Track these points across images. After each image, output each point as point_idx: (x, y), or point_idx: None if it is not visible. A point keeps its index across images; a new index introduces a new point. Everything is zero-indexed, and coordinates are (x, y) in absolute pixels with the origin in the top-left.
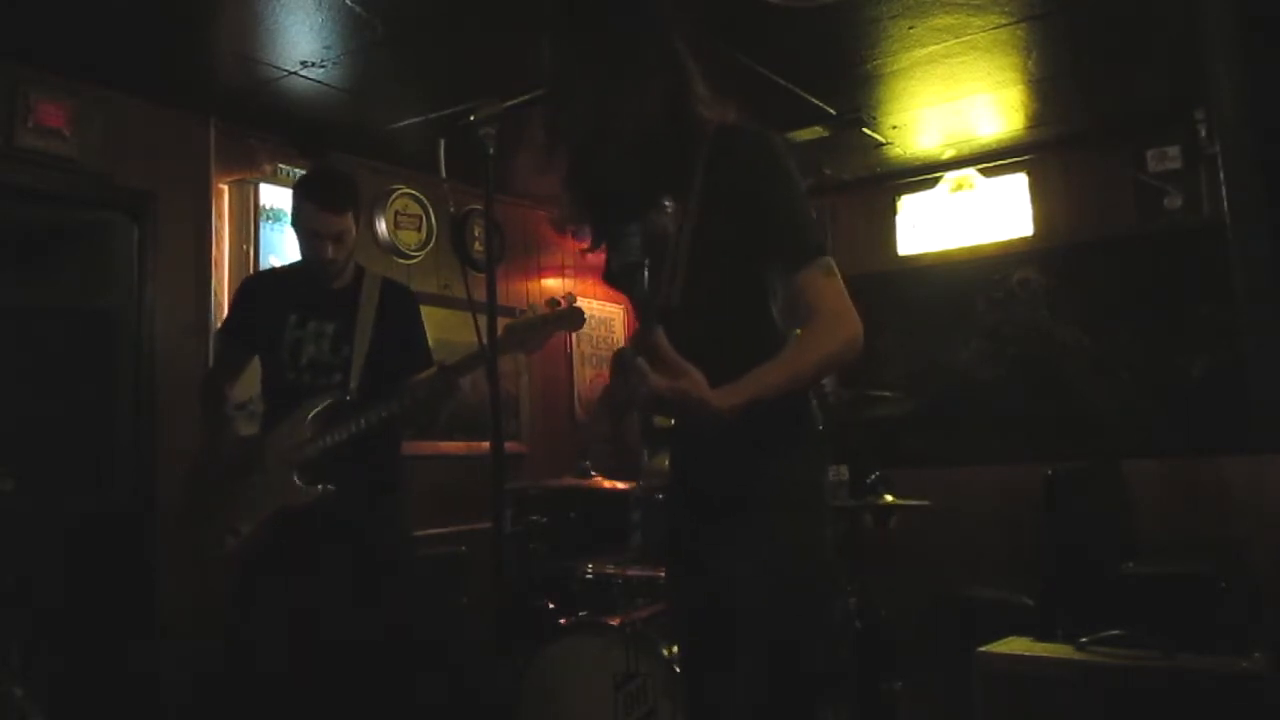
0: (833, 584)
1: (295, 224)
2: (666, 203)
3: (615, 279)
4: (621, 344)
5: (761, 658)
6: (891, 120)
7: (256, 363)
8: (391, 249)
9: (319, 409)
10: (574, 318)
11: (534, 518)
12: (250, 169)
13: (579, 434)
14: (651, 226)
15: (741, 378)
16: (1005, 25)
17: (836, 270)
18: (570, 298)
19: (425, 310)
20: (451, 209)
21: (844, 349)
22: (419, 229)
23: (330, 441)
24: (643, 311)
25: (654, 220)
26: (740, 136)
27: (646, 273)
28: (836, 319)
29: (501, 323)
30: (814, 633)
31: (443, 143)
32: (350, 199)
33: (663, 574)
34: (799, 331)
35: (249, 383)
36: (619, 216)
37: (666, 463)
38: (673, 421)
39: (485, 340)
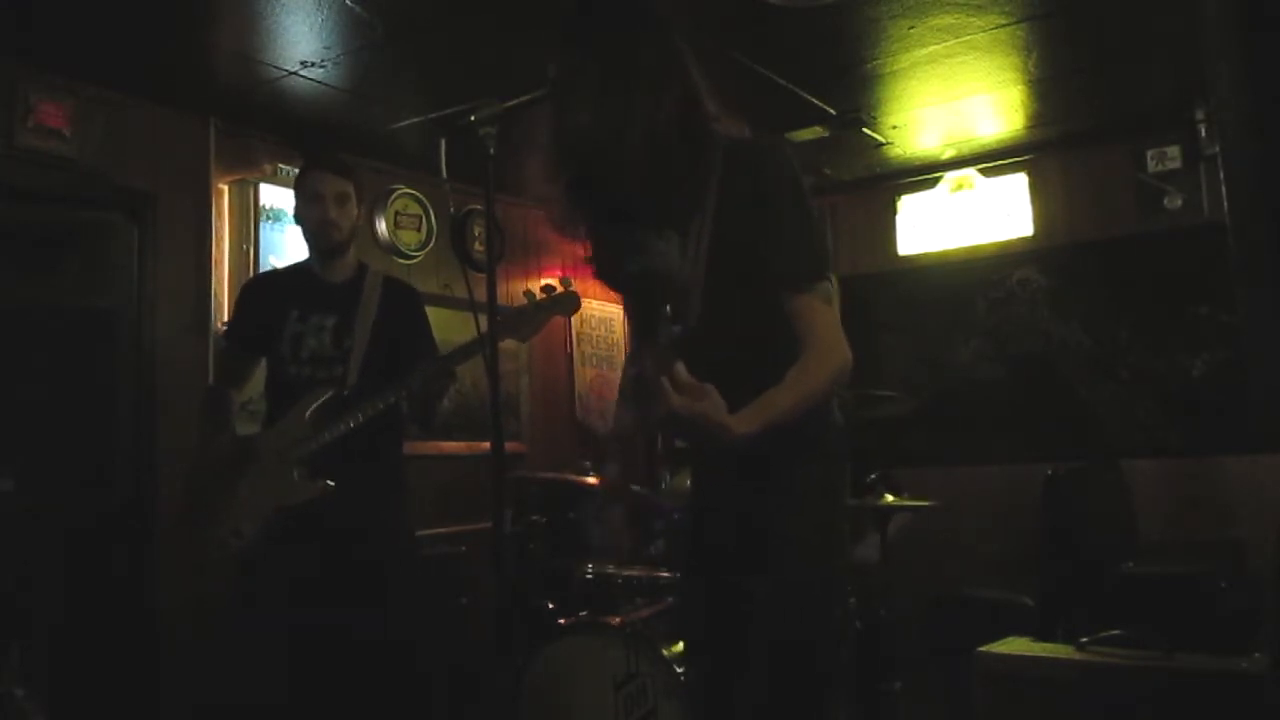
0: (843, 589)
1: (299, 198)
2: (675, 223)
3: (615, 281)
4: (621, 343)
5: (775, 662)
6: (891, 120)
7: (261, 366)
8: (391, 249)
9: (317, 404)
10: (569, 302)
11: (534, 518)
12: (250, 169)
13: (602, 446)
14: (662, 248)
15: (754, 402)
16: (1005, 25)
17: (834, 296)
18: (566, 281)
19: (426, 310)
20: (451, 209)
21: (836, 377)
22: (419, 229)
23: (329, 436)
24: (658, 332)
25: (663, 242)
26: (751, 154)
27: (664, 296)
28: (829, 349)
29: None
30: (826, 637)
31: (443, 143)
32: (350, 169)
33: (663, 574)
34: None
35: (253, 384)
36: (623, 225)
37: (688, 482)
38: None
39: (482, 333)
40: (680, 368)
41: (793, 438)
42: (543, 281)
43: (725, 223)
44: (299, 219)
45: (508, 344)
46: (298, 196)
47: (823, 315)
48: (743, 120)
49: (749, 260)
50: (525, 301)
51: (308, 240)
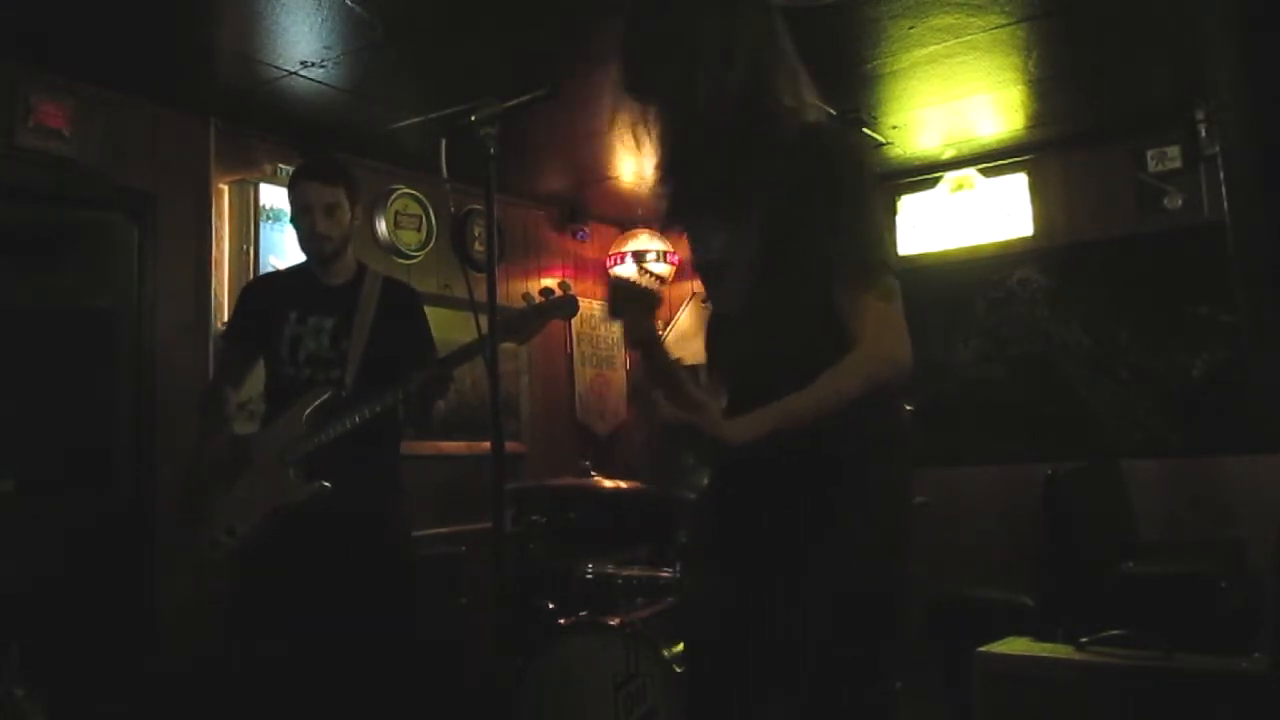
0: (907, 599)
1: (291, 205)
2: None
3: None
4: (622, 343)
5: (830, 675)
6: (891, 120)
7: (260, 366)
8: (391, 249)
9: (315, 405)
10: (566, 306)
11: (534, 518)
12: (250, 169)
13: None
14: (712, 234)
15: (768, 406)
16: (1005, 25)
17: (897, 291)
18: (565, 285)
19: (425, 310)
20: (451, 209)
21: (881, 375)
22: (419, 229)
23: (326, 437)
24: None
25: (714, 228)
26: (818, 141)
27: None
28: (879, 344)
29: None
30: (885, 649)
31: (443, 143)
32: (340, 175)
33: (663, 573)
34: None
35: (251, 384)
36: (700, 209)
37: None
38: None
39: (481, 335)
40: (678, 368)
41: (857, 433)
42: (541, 284)
43: (784, 213)
44: (293, 224)
45: (507, 345)
46: (290, 203)
47: (876, 311)
48: (821, 102)
49: (806, 253)
50: (524, 304)
51: (302, 248)
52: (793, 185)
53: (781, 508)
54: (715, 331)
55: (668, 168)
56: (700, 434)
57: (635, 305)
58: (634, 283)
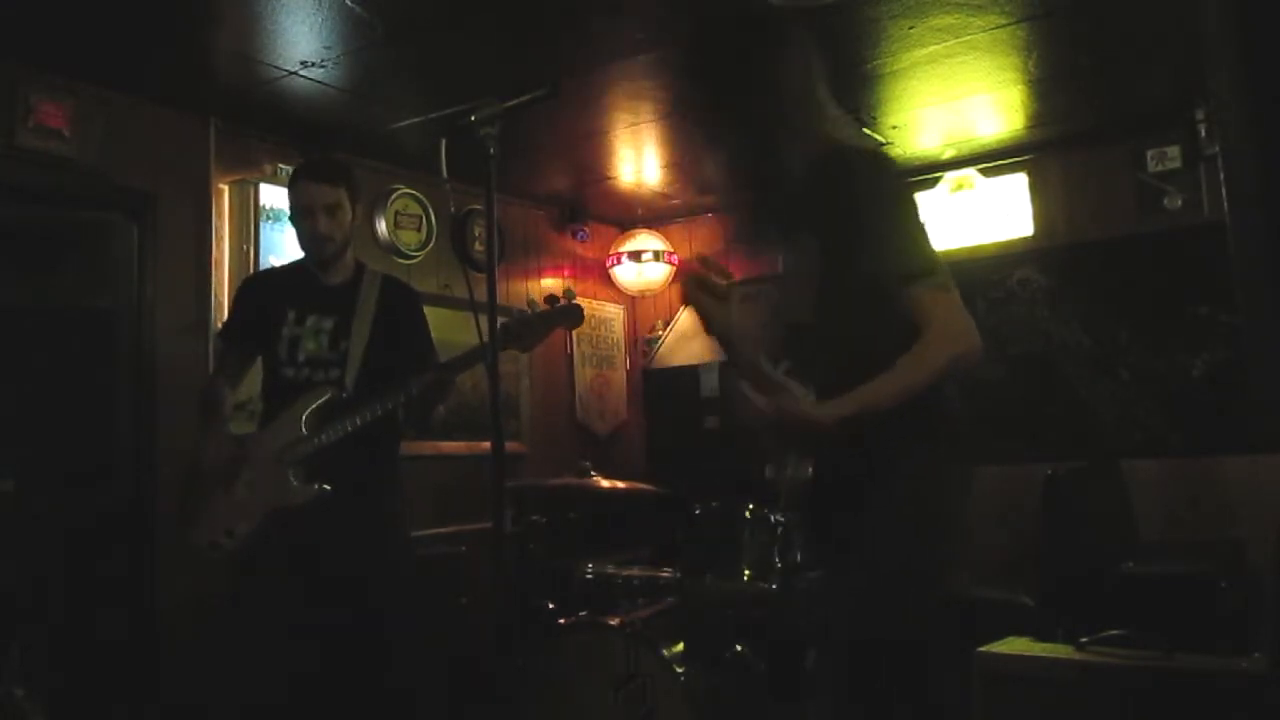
0: (928, 588)
1: (290, 206)
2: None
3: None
4: (622, 343)
5: (844, 662)
6: (891, 120)
7: (257, 364)
8: (391, 249)
9: (314, 406)
10: (572, 315)
11: (534, 518)
12: (250, 169)
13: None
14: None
15: (853, 390)
16: (1005, 25)
17: (951, 284)
18: (569, 294)
19: (425, 310)
20: (452, 209)
21: (951, 361)
22: (419, 229)
23: (325, 439)
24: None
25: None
26: (847, 160)
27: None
28: (943, 334)
29: (500, 321)
30: (900, 638)
31: (443, 143)
32: (341, 175)
33: (663, 573)
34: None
35: (250, 384)
36: (775, 228)
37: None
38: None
39: (483, 339)
40: (760, 361)
41: (893, 417)
42: (541, 284)
43: (831, 228)
44: (293, 222)
45: (508, 350)
46: (289, 203)
47: (938, 302)
48: (849, 123)
49: (858, 264)
50: (526, 308)
51: (302, 249)
52: (832, 203)
53: (827, 501)
54: (791, 340)
55: (760, 192)
56: (791, 415)
57: (708, 294)
58: (705, 272)
